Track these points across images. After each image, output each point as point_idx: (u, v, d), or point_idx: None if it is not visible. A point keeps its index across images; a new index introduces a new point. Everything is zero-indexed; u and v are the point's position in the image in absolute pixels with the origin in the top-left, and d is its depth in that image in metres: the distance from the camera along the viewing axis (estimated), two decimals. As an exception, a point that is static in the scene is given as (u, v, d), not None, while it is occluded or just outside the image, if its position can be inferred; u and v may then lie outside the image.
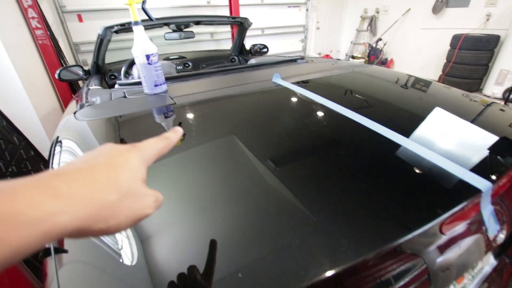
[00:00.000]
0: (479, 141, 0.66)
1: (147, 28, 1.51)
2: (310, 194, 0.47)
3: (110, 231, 0.21)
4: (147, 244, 0.40)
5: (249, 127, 0.75)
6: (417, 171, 0.54)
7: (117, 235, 0.42)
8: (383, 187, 0.50)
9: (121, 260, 0.38)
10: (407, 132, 0.67)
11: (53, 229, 0.17)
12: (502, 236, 0.53)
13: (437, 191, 0.49)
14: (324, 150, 0.63)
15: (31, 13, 2.62)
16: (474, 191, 0.48)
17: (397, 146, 0.61)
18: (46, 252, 0.48)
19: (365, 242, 0.38)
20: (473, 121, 0.78)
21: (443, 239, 0.44)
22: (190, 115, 0.85)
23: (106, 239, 0.42)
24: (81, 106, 1.00)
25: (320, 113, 0.81)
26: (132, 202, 0.22)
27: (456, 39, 4.12)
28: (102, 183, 0.20)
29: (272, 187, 0.49)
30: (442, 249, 0.45)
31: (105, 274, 0.38)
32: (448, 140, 0.66)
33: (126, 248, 0.40)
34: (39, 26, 2.69)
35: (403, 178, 0.53)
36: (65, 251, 0.44)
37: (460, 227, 0.47)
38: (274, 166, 0.55)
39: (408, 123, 0.77)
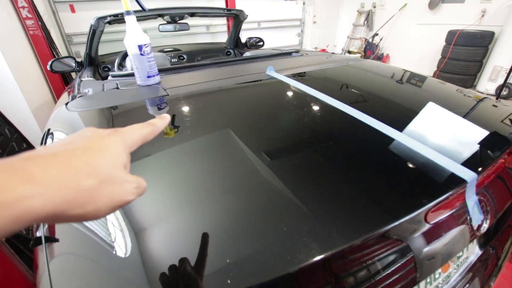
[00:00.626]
0: (470, 136, 0.67)
1: (140, 19, 1.49)
2: (300, 184, 0.48)
3: (88, 217, 0.20)
4: (140, 235, 0.40)
5: (242, 119, 0.76)
6: (406, 162, 0.55)
7: (110, 226, 0.42)
8: (374, 177, 0.51)
9: (113, 252, 0.38)
10: (400, 126, 0.68)
11: (25, 213, 0.16)
12: (485, 226, 0.54)
13: (424, 182, 0.50)
14: (316, 142, 0.64)
15: (21, 2, 2.56)
16: (460, 182, 0.49)
17: (389, 139, 0.62)
18: (37, 241, 0.49)
19: (353, 228, 0.39)
20: (465, 116, 0.79)
21: (428, 227, 0.46)
22: (183, 107, 0.85)
23: (98, 229, 0.42)
24: (73, 97, 0.99)
25: (312, 106, 0.81)
26: (111, 188, 0.21)
27: (451, 35, 4.14)
28: (79, 167, 0.20)
29: (263, 178, 0.50)
30: (428, 237, 0.46)
31: (97, 265, 0.38)
32: (440, 135, 0.67)
33: (119, 239, 0.40)
34: (29, 16, 2.63)
35: (393, 169, 0.54)
36: (56, 240, 0.44)
37: (445, 216, 0.48)
38: (267, 157, 0.55)
39: (401, 117, 0.78)
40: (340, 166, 0.54)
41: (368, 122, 0.68)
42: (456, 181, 0.49)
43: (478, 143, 0.63)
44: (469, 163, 0.53)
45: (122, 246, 0.39)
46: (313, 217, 0.41)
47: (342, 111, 0.74)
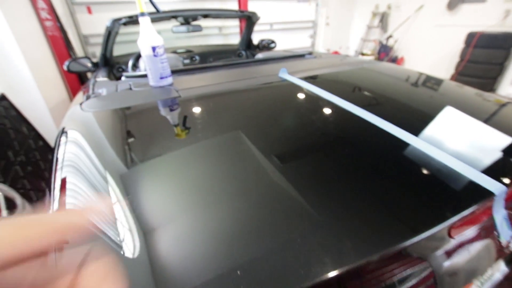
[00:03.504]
0: (492, 142, 0.64)
1: (154, 20, 1.51)
2: (315, 192, 0.46)
3: None
4: (149, 240, 0.39)
5: (253, 122, 0.74)
6: (427, 171, 0.52)
7: (119, 230, 0.41)
8: (391, 187, 0.48)
9: (120, 255, 0.37)
10: (416, 130, 0.65)
11: None
12: (514, 242, 0.50)
13: (447, 193, 0.47)
14: (330, 147, 0.62)
15: (41, 4, 2.64)
16: (487, 194, 0.45)
17: (406, 145, 0.59)
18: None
19: (370, 243, 0.37)
20: (486, 121, 0.75)
21: (451, 243, 0.43)
22: (194, 109, 0.84)
23: (105, 234, 0.40)
24: (87, 97, 1.01)
25: (326, 110, 0.79)
26: None
27: (471, 37, 3.99)
28: None
29: (276, 184, 0.48)
30: (450, 253, 0.43)
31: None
32: (459, 140, 0.64)
33: (127, 245, 0.39)
34: (48, 17, 2.71)
35: (412, 178, 0.51)
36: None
37: (470, 232, 0.45)
38: (279, 162, 0.54)
39: (418, 121, 0.75)
40: (356, 175, 0.51)
41: (385, 127, 0.65)
42: (482, 194, 0.46)
43: (501, 151, 0.59)
44: (495, 174, 0.50)
45: (132, 250, 0.38)
46: (329, 228, 0.39)
47: (358, 117, 0.72)
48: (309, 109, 0.81)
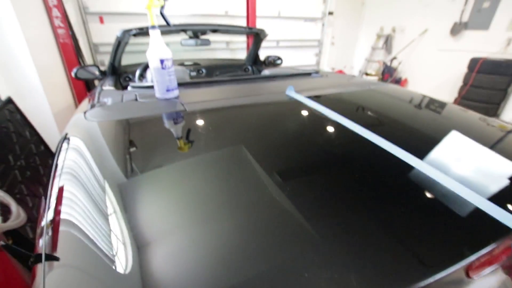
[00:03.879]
0: (497, 169, 0.62)
1: (164, 33, 1.53)
2: (319, 220, 0.43)
3: None
4: (144, 255, 0.37)
5: (260, 140, 0.73)
6: (440, 203, 0.49)
7: (114, 243, 0.39)
8: (401, 218, 0.45)
9: (114, 268, 0.36)
10: (427, 156, 0.63)
11: None
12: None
13: (465, 228, 0.44)
14: (337, 171, 0.59)
15: (56, 12, 2.71)
16: (506, 230, 0.43)
17: (418, 172, 0.57)
18: (37, 258, 0.45)
19: (379, 283, 0.34)
20: (491, 147, 0.73)
21: (470, 284, 0.40)
22: (199, 123, 0.83)
23: (100, 247, 0.39)
24: (92, 106, 1.00)
25: (335, 131, 0.78)
26: None
27: (474, 62, 4.04)
28: None
29: (280, 207, 0.46)
30: None
31: (95, 283, 0.35)
32: (464, 166, 0.62)
33: (121, 257, 0.37)
34: (62, 25, 2.77)
35: (424, 210, 0.48)
36: (57, 259, 0.41)
37: (490, 271, 0.42)
38: (284, 183, 0.51)
39: (428, 147, 0.73)
40: (365, 204, 0.49)
41: (395, 153, 0.63)
42: (502, 229, 0.43)
43: (509, 178, 0.57)
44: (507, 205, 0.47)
45: (125, 263, 0.36)
46: (333, 264, 0.36)
47: (368, 140, 0.70)
48: (318, 129, 0.80)
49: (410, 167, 0.59)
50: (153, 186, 0.50)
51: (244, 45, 4.57)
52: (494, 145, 0.75)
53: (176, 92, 1.03)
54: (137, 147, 0.67)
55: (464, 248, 0.39)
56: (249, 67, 2.50)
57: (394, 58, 5.47)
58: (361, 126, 0.76)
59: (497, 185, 0.55)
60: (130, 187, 0.50)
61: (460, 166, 0.62)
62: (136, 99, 1.01)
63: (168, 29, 1.55)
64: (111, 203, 0.46)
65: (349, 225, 0.43)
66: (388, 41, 5.64)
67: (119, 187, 0.50)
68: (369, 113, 0.97)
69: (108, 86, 1.43)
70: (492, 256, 0.41)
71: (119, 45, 1.63)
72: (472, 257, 0.38)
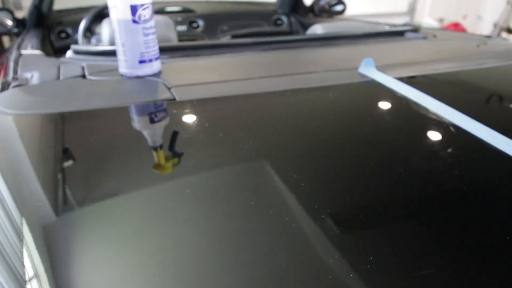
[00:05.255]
0: None
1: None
2: None
3: None
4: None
5: (308, 160, 0.44)
6: None
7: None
8: None
9: None
10: None
11: None
12: None
13: None
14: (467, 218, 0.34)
15: None
16: None
17: None
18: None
19: None
20: None
21: None
22: (197, 124, 0.53)
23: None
24: (4, 86, 0.68)
25: (452, 141, 0.48)
26: None
27: None
28: None
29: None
30: None
31: None
32: None
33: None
34: None
35: None
36: None
37: None
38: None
39: None
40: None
41: None
42: None
43: None
44: None
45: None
46: None
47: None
48: (420, 138, 0.49)
49: None
50: (112, 237, 0.35)
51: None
52: None
53: (156, 65, 0.67)
54: (83, 165, 0.46)
55: None
56: (284, 18, 1.69)
57: None
58: (503, 134, 0.45)
59: None
60: (69, 235, 0.34)
61: None
62: (83, 76, 0.67)
63: None
64: (32, 264, 0.30)
65: None
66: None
67: (49, 233, 0.35)
68: None
69: (30, 49, 1.02)
70: None
71: None
72: None
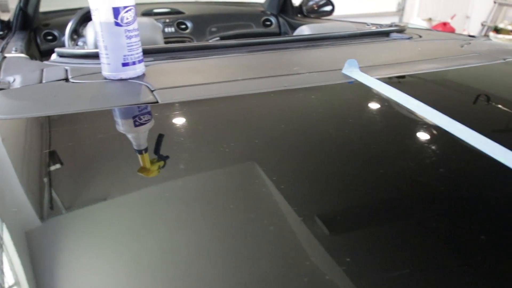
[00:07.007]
0: None
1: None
2: None
3: None
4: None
5: (293, 159, 0.44)
6: None
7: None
8: None
9: None
10: None
11: None
12: None
13: None
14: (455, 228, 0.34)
15: None
16: None
17: None
18: None
19: None
20: None
21: None
22: (180, 127, 0.53)
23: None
24: None
25: (432, 142, 0.48)
26: None
27: None
28: None
29: None
30: None
31: None
32: None
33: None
34: None
35: None
36: None
37: None
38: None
39: None
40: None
41: None
42: None
43: None
44: None
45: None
46: None
47: (501, 164, 0.41)
48: (404, 142, 0.49)
49: None
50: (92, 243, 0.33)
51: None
52: None
53: (140, 68, 0.67)
54: (66, 169, 0.46)
55: None
56: (273, 19, 1.68)
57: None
58: (491, 139, 0.45)
59: None
60: (50, 241, 0.33)
61: None
62: (66, 79, 0.66)
63: None
64: (13, 271, 0.29)
65: None
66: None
67: (30, 239, 0.34)
68: (504, 110, 0.61)
69: (14, 52, 1.00)
70: None
71: None
72: None
